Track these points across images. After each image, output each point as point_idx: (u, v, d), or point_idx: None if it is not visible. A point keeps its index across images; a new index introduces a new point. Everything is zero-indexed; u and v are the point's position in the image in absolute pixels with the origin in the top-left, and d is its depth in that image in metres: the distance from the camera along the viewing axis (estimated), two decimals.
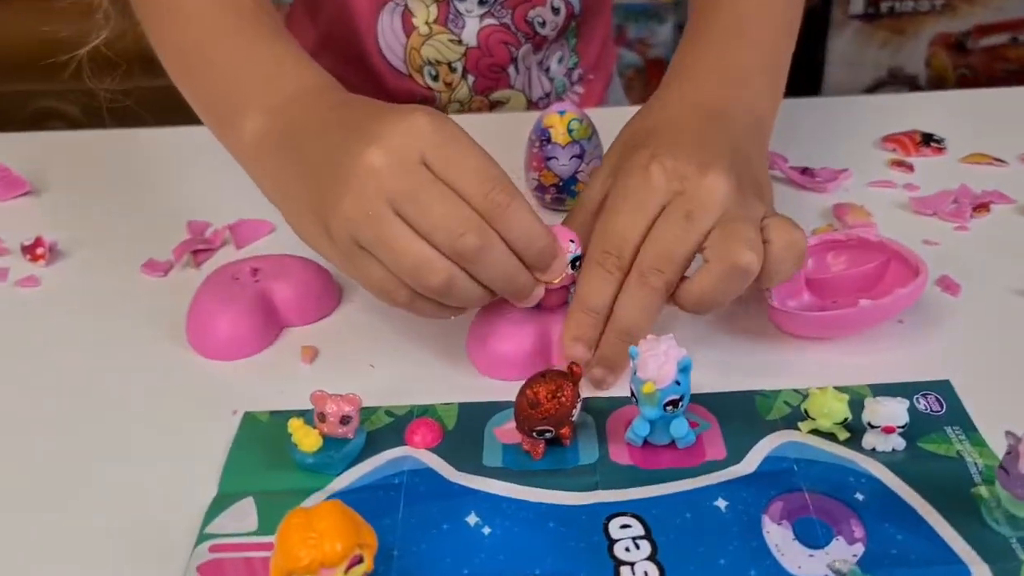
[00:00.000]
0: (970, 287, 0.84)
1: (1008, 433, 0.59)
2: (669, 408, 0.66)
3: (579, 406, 0.68)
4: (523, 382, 0.67)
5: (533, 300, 0.72)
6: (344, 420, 0.69)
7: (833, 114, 1.17)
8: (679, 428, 0.67)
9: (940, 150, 1.07)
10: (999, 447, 0.67)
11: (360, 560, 0.56)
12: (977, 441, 0.68)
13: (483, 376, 0.77)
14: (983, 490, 0.64)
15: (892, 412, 0.66)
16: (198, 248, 0.95)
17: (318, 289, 0.86)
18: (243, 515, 0.66)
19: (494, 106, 1.26)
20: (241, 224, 0.99)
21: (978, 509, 0.63)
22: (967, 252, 0.89)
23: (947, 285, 0.84)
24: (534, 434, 0.67)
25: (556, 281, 0.73)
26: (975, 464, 0.66)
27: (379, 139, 0.67)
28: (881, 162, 1.06)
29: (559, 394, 0.66)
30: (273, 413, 0.75)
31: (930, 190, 0.99)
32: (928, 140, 1.07)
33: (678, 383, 0.66)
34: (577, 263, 0.74)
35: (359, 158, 0.67)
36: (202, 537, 0.64)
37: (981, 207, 0.95)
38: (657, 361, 0.65)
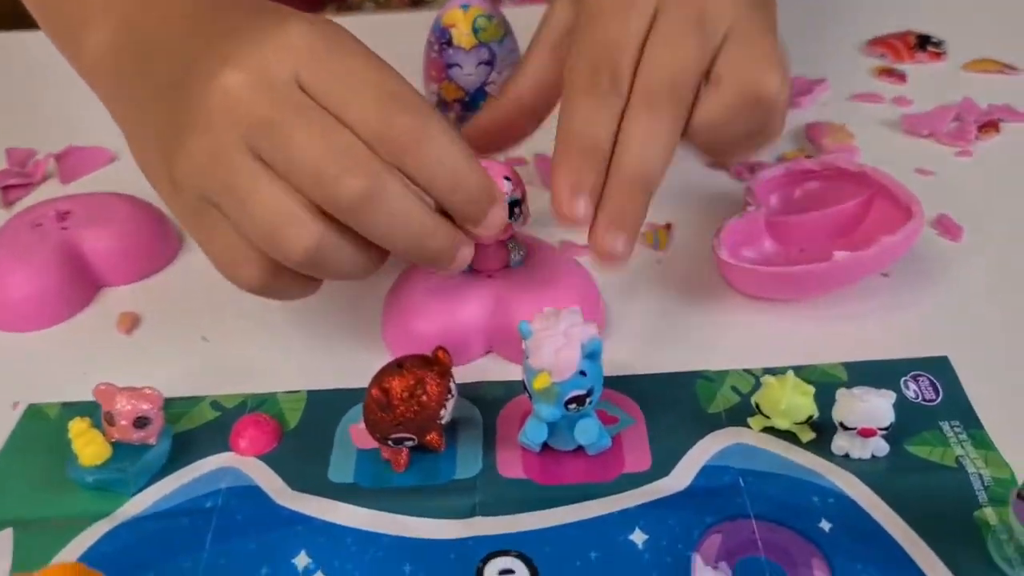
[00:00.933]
0: (975, 230, 0.67)
1: None
2: (572, 407, 0.49)
3: (451, 402, 0.50)
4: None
5: (458, 266, 0.52)
6: (140, 422, 0.51)
7: (808, 10, 0.96)
8: (587, 433, 0.50)
9: (938, 55, 0.88)
10: (1011, 451, 0.51)
11: None
12: (982, 442, 0.51)
13: (378, 359, 0.59)
14: (989, 513, 0.48)
15: (873, 410, 0.49)
16: (10, 183, 0.76)
17: (146, 238, 0.68)
18: None
19: (418, 2, 1.06)
20: (71, 152, 0.79)
21: (983, 541, 0.46)
22: (972, 184, 0.71)
23: (946, 227, 0.67)
24: (389, 443, 0.50)
25: (493, 235, 0.54)
26: (979, 476, 0.50)
27: (239, 54, 0.47)
28: (866, 70, 0.87)
29: (419, 392, 0.48)
30: (65, 405, 0.57)
31: (926, 105, 0.80)
32: (924, 43, 0.88)
33: (583, 374, 0.48)
34: (517, 209, 0.55)
35: (211, 81, 0.47)
36: None
37: (988, 126, 0.76)
38: (554, 344, 0.48)
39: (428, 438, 0.50)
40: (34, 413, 0.57)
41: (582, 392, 0.48)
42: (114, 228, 0.66)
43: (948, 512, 0.48)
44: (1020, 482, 0.45)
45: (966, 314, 0.60)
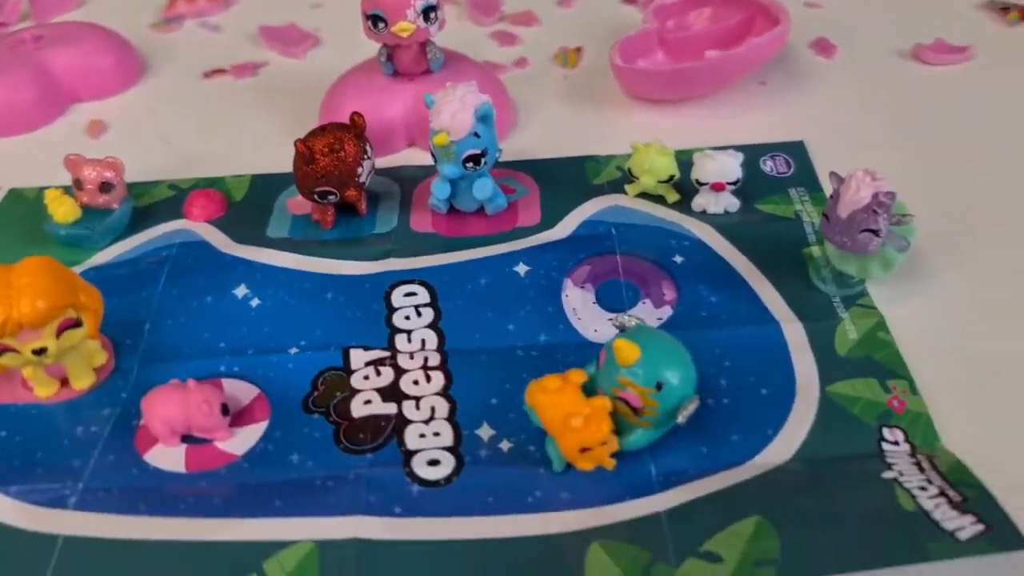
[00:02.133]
0: (848, 48, 0.75)
1: (832, 175, 0.51)
2: (470, 165, 0.57)
3: (368, 166, 0.59)
4: None
5: None
6: (104, 187, 0.60)
7: None
8: (484, 189, 0.59)
9: None
10: None
11: (77, 323, 0.48)
12: (820, 201, 0.61)
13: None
14: (815, 250, 0.57)
15: (723, 167, 0.58)
16: None
17: (111, 59, 0.76)
18: None
19: None
20: None
21: (806, 269, 0.56)
22: (853, 12, 0.80)
23: (823, 47, 0.75)
24: (315, 197, 0.59)
25: (405, 34, 0.63)
26: (812, 224, 0.59)
27: None
28: None
29: (337, 148, 0.57)
30: (42, 189, 0.66)
31: None
32: None
33: (477, 135, 0.57)
34: (433, 14, 0.63)
35: None
36: None
37: None
38: (451, 108, 0.56)
39: (348, 193, 0.58)
40: (15, 195, 0.66)
41: (477, 151, 0.57)
42: (82, 49, 0.74)
43: (783, 250, 0.57)
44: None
45: (826, 111, 0.69)
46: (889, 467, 0.43)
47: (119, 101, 0.75)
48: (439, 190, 0.59)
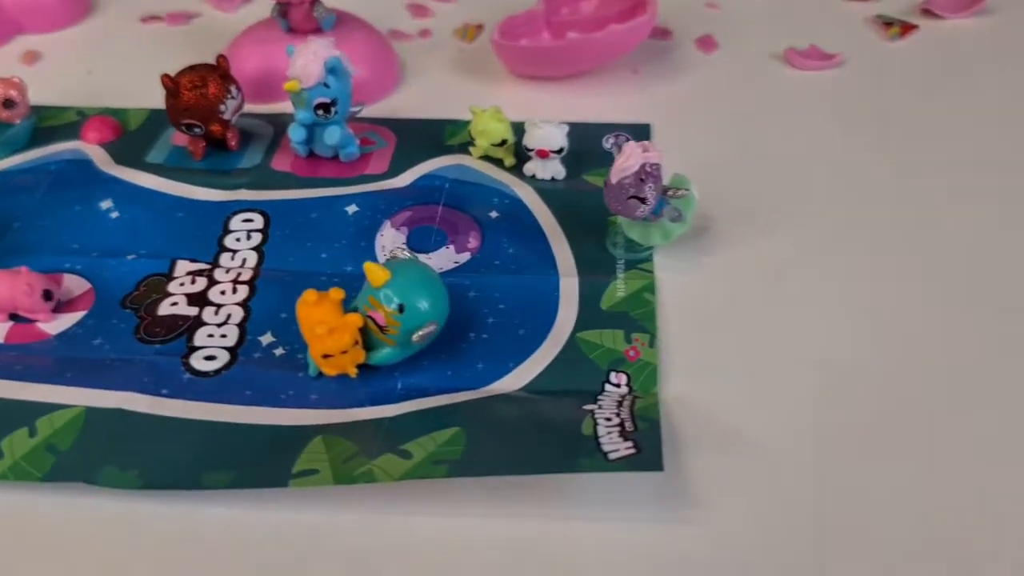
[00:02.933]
0: (729, 47, 0.80)
1: (612, 141, 0.56)
2: (320, 113, 0.64)
3: (232, 105, 0.66)
4: None
5: None
6: (7, 104, 0.68)
7: None
8: (333, 135, 0.65)
9: None
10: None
11: None
12: None
13: None
14: (620, 219, 0.62)
15: (546, 135, 0.64)
16: None
17: None
18: None
19: None
20: None
21: (605, 235, 0.61)
22: (746, 15, 0.84)
23: (706, 43, 0.80)
24: (183, 128, 0.65)
25: None
26: None
27: None
28: None
29: (202, 85, 0.64)
30: None
31: None
32: None
33: (327, 86, 0.63)
34: None
35: None
36: None
37: None
38: (304, 59, 0.63)
39: (212, 127, 0.65)
40: None
41: (327, 100, 0.63)
42: None
43: (592, 217, 0.62)
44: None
45: (685, 101, 0.74)
46: (595, 401, 0.49)
47: (60, 36, 0.83)
48: (294, 133, 0.66)
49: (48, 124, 0.71)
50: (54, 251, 0.60)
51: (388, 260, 0.53)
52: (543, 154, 0.64)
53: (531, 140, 0.64)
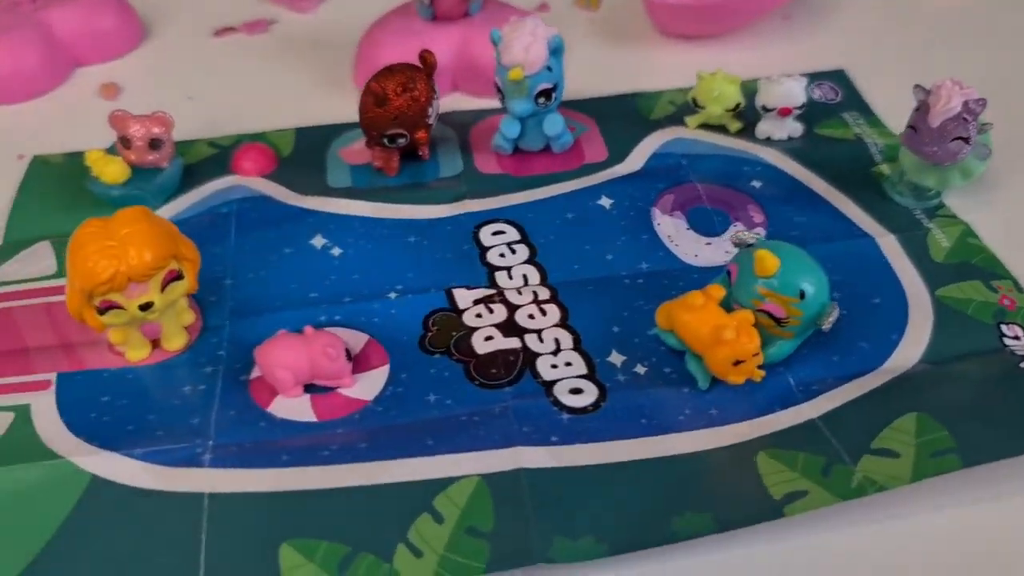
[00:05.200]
0: None
1: (917, 87, 0.53)
2: (541, 101, 0.56)
3: (435, 107, 0.57)
4: None
5: None
6: (154, 144, 0.56)
7: None
8: (555, 124, 0.58)
9: None
10: (898, 127, 0.61)
11: (179, 276, 0.45)
12: (875, 123, 0.62)
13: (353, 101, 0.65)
14: (885, 168, 0.58)
15: (789, 91, 0.59)
16: None
17: (112, 19, 0.71)
18: (37, 259, 0.54)
19: None
20: None
21: (880, 186, 0.57)
22: None
23: None
24: (385, 140, 0.56)
25: None
26: (875, 144, 0.60)
27: None
28: None
29: (411, 87, 0.55)
30: (69, 154, 0.62)
31: None
32: None
33: (550, 69, 0.56)
34: None
35: None
36: None
37: None
38: (523, 42, 0.55)
39: (418, 135, 0.57)
40: (40, 162, 0.61)
41: (549, 86, 0.56)
42: (82, 9, 0.70)
43: (853, 170, 0.58)
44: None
45: (855, 40, 0.70)
46: (1022, 359, 0.45)
47: (126, 63, 0.71)
48: (509, 129, 0.58)
49: (187, 162, 0.60)
50: (294, 304, 0.50)
51: (736, 244, 0.47)
52: (786, 112, 0.59)
53: (770, 98, 0.59)
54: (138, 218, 0.44)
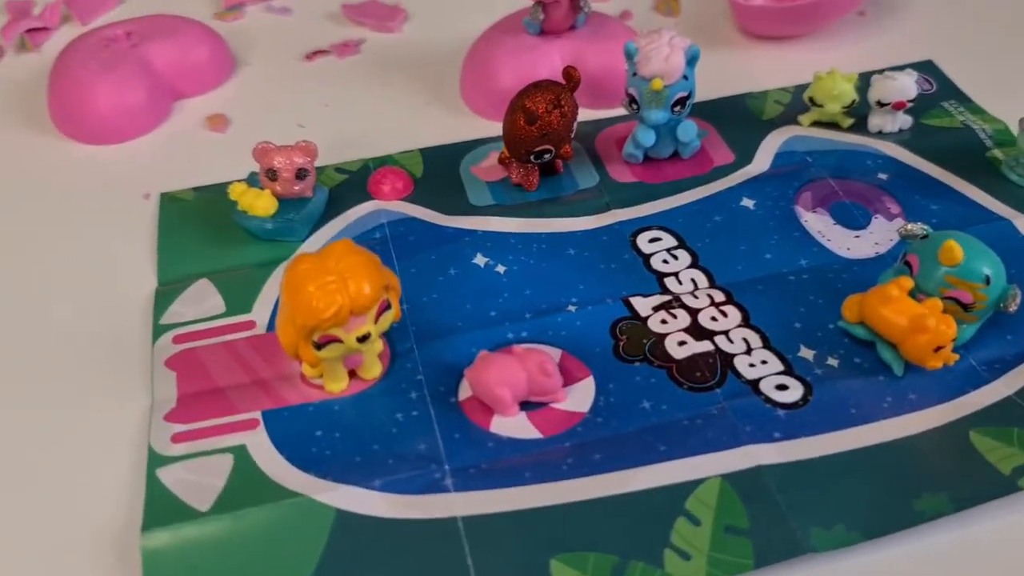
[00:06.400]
0: None
1: None
2: (677, 109, 0.58)
3: (577, 117, 0.59)
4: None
5: None
6: (300, 174, 0.57)
7: None
8: (688, 131, 0.60)
9: None
10: (1000, 112, 0.65)
11: (388, 306, 0.46)
12: (976, 110, 0.65)
13: (463, 118, 0.67)
14: (998, 152, 0.61)
15: (902, 85, 0.62)
16: (32, 27, 0.76)
17: (207, 51, 0.71)
18: (202, 298, 0.54)
19: None
20: None
21: (998, 170, 0.60)
22: None
23: None
24: (532, 158, 0.58)
25: None
26: (983, 130, 0.63)
27: None
28: None
29: (560, 103, 0.56)
30: (197, 189, 0.62)
31: None
32: None
33: (686, 78, 0.58)
34: None
35: None
36: (158, 329, 0.52)
37: None
38: (662, 53, 0.57)
39: (563, 150, 0.58)
40: (170, 200, 0.61)
41: (685, 94, 0.58)
42: (176, 43, 0.69)
43: (967, 157, 0.61)
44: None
45: (934, 30, 0.74)
46: None
47: (222, 93, 0.71)
48: (645, 138, 0.60)
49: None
50: (477, 324, 0.51)
51: (904, 237, 0.49)
52: (900, 105, 0.62)
53: (885, 93, 0.62)
54: (350, 252, 0.45)
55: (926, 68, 0.69)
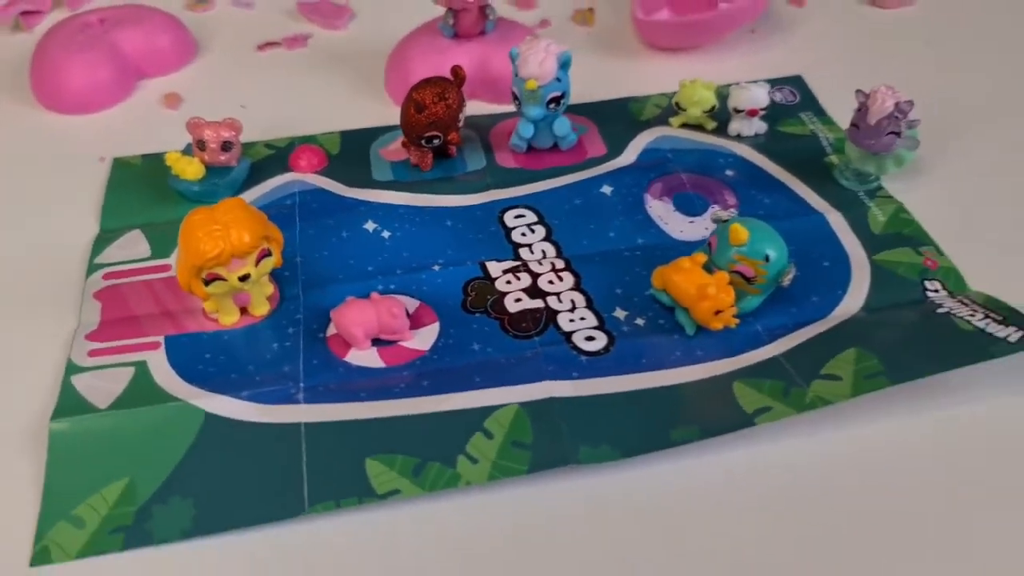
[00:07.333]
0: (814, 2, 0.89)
1: (858, 91, 0.65)
2: (552, 107, 0.68)
3: (464, 109, 0.68)
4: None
5: None
6: (225, 146, 0.67)
7: None
8: (562, 127, 0.69)
9: None
10: (845, 124, 0.73)
11: (268, 253, 0.56)
12: (827, 122, 0.74)
13: (385, 108, 0.77)
14: (834, 158, 0.70)
15: (754, 95, 0.71)
16: (27, 9, 0.87)
17: (170, 37, 0.82)
18: (133, 244, 0.65)
19: None
20: None
21: (830, 173, 0.69)
22: None
23: None
24: (422, 142, 0.68)
25: None
26: (826, 139, 0.72)
27: None
28: None
29: (445, 96, 0.66)
30: (145, 156, 0.72)
31: None
32: None
33: (559, 80, 0.67)
34: None
35: None
36: (92, 267, 0.63)
37: None
38: (538, 58, 0.66)
39: (450, 136, 0.68)
40: (121, 163, 0.72)
41: (558, 94, 0.67)
42: (144, 29, 0.80)
43: (808, 161, 0.70)
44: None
45: (811, 50, 0.82)
46: (940, 306, 0.57)
47: (182, 75, 0.82)
48: (525, 130, 0.69)
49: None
50: (356, 277, 0.61)
51: (714, 221, 0.59)
52: (753, 112, 0.71)
53: (740, 101, 0.71)
54: (237, 206, 0.55)
55: (794, 82, 0.78)
